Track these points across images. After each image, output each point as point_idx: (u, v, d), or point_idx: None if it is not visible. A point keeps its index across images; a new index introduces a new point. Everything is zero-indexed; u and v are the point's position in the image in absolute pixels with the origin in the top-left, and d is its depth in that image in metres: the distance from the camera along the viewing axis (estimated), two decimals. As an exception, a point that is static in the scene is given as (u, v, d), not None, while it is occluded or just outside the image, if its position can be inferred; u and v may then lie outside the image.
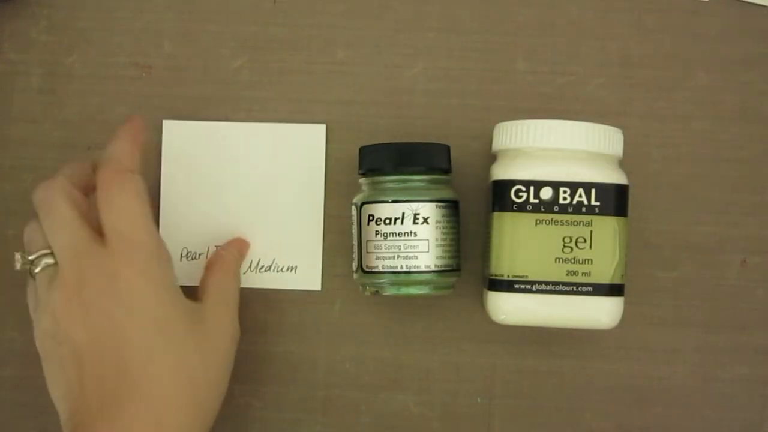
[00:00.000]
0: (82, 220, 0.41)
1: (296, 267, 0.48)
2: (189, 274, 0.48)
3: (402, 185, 0.44)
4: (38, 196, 0.42)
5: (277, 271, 0.48)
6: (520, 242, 0.41)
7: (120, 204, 0.41)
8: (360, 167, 0.45)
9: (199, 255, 0.48)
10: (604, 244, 0.41)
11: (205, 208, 0.48)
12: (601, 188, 0.41)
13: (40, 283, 0.41)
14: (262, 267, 0.48)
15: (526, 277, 0.41)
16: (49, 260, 0.41)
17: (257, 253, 0.48)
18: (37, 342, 0.41)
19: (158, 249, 0.41)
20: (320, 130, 0.48)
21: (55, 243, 0.41)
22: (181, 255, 0.48)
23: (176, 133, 0.49)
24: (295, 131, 0.48)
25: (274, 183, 0.48)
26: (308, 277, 0.48)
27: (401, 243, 0.43)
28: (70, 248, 0.40)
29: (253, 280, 0.48)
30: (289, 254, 0.48)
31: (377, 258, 0.43)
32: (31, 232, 0.42)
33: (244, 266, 0.48)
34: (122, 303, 0.40)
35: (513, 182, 0.41)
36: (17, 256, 0.42)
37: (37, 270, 0.41)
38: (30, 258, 0.42)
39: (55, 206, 0.41)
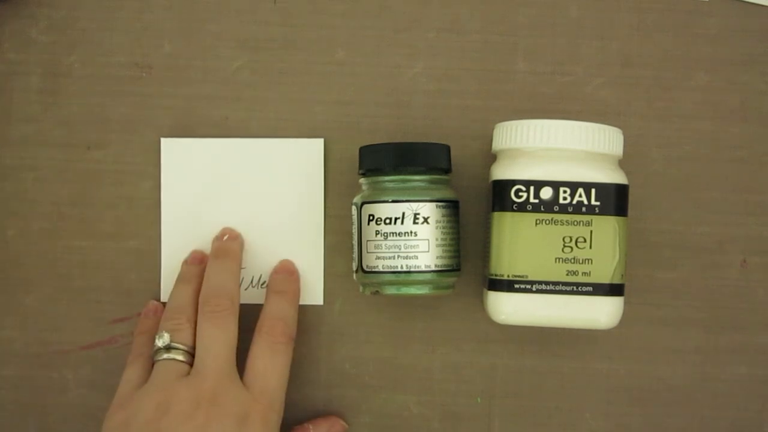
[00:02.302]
0: (235, 349, 0.44)
1: None
2: None
3: (402, 185, 0.44)
4: (216, 292, 0.44)
5: None
6: (520, 242, 0.41)
7: (278, 366, 0.44)
8: (360, 167, 0.45)
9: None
10: (604, 244, 0.41)
11: (205, 226, 0.48)
12: (601, 188, 0.41)
13: (166, 368, 0.42)
14: (264, 282, 0.48)
15: (526, 277, 0.41)
16: (186, 359, 0.43)
17: (258, 268, 0.48)
18: (118, 412, 0.42)
19: (280, 419, 0.44)
20: (318, 144, 0.48)
21: (210, 355, 0.42)
22: None
23: (175, 151, 0.49)
24: (293, 146, 0.48)
25: (274, 199, 0.48)
26: (310, 291, 0.48)
27: (401, 243, 0.43)
28: (222, 369, 0.42)
29: (255, 296, 0.48)
30: None
31: (377, 258, 0.43)
32: (184, 320, 0.44)
33: (245, 282, 0.48)
34: None
35: (513, 182, 0.41)
36: (166, 336, 0.43)
37: (171, 357, 0.43)
38: (172, 345, 0.43)
39: (229, 324, 0.43)
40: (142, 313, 0.48)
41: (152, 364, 0.44)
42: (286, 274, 0.48)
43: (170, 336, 0.43)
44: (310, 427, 0.47)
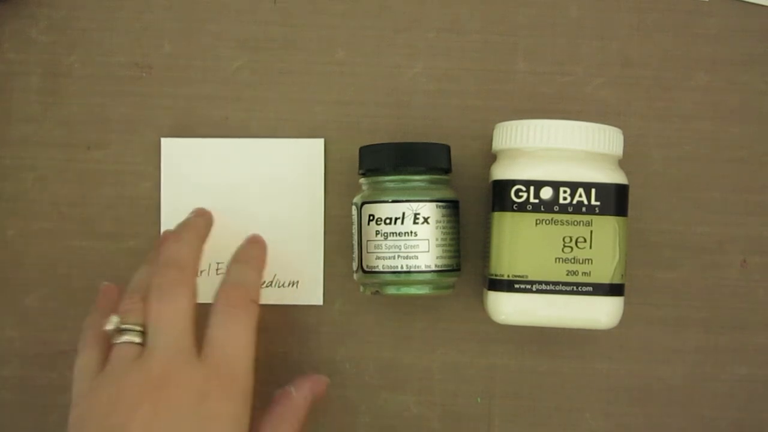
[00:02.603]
0: (193, 321, 0.40)
1: (298, 282, 0.48)
2: None
3: (402, 185, 0.44)
4: (166, 263, 0.41)
5: (278, 287, 0.48)
6: (520, 242, 0.41)
7: (237, 332, 0.40)
8: (360, 167, 0.45)
9: (201, 272, 0.48)
10: (604, 244, 0.41)
11: None
12: (601, 188, 0.41)
13: (119, 353, 0.39)
14: (264, 283, 0.48)
15: (526, 277, 0.41)
16: (143, 340, 0.39)
17: None
18: (75, 408, 0.39)
19: (250, 389, 0.40)
20: (318, 144, 0.48)
21: (159, 331, 0.39)
22: None
23: (175, 151, 0.48)
24: (293, 146, 0.48)
25: (274, 198, 0.48)
26: (310, 292, 0.48)
27: (401, 243, 0.43)
28: (172, 346, 0.39)
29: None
30: (291, 269, 0.48)
31: (377, 258, 0.43)
32: (137, 299, 0.40)
33: None
34: (200, 425, 0.37)
35: (513, 182, 0.41)
36: (114, 319, 0.40)
37: (127, 340, 0.39)
38: (124, 327, 0.39)
39: (178, 295, 0.40)
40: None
41: (104, 348, 0.40)
42: (251, 243, 0.45)
43: (121, 318, 0.40)
44: (292, 389, 0.44)
